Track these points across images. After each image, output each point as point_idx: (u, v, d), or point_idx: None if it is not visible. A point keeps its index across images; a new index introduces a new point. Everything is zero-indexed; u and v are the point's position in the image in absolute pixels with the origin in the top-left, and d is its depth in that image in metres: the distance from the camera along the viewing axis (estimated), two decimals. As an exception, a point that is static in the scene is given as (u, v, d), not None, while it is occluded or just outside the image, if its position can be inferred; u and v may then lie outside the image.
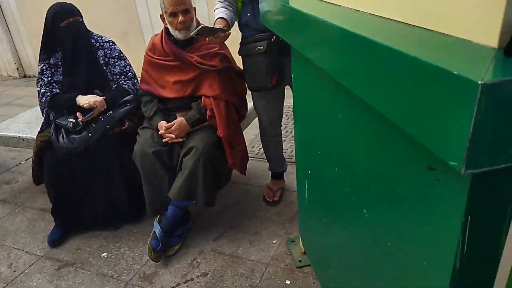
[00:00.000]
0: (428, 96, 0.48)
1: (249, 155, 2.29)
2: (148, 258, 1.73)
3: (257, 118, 2.04)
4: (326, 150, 1.20)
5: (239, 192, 2.25)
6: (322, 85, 1.12)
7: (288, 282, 1.63)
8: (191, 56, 1.79)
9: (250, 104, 2.06)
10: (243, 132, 2.03)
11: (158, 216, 1.85)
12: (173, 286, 1.66)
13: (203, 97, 1.81)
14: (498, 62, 0.45)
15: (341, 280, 1.29)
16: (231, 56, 1.93)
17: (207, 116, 1.79)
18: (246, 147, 1.96)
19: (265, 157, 2.16)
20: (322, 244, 1.44)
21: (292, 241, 1.83)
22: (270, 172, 2.20)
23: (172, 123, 1.78)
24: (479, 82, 0.39)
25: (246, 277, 1.67)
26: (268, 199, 2.11)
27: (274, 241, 1.85)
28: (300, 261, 1.71)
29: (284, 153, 2.20)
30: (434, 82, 0.46)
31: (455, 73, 0.42)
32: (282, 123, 2.05)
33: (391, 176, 0.81)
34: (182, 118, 1.81)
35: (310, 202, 1.50)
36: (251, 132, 2.83)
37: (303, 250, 1.74)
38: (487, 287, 0.68)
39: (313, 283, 1.60)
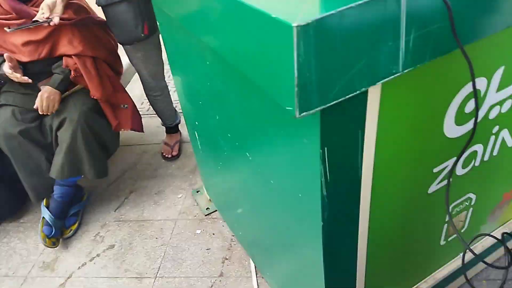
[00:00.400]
0: (257, 41, 0.46)
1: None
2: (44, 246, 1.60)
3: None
4: (205, 99, 1.17)
5: (135, 154, 2.14)
6: (185, 31, 1.05)
7: (198, 231, 1.65)
8: (37, 10, 1.52)
9: (126, 59, 1.89)
10: (127, 90, 1.87)
11: (45, 200, 1.68)
12: (79, 267, 1.57)
13: (64, 57, 1.58)
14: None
15: (242, 218, 1.35)
16: (87, 5, 1.70)
17: (71, 77, 1.58)
18: (134, 103, 1.82)
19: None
20: (222, 188, 1.47)
21: (197, 191, 1.84)
22: (165, 127, 2.12)
23: (37, 101, 1.53)
24: (293, 25, 0.38)
25: (156, 238, 1.65)
26: (166, 155, 2.05)
27: (179, 196, 1.84)
28: (207, 208, 1.74)
29: (176, 105, 2.12)
30: (258, 27, 0.44)
31: (272, 16, 0.40)
32: (167, 74, 1.94)
33: (260, 119, 0.82)
34: (46, 86, 1.58)
35: (203, 151, 1.49)
36: (137, 88, 2.65)
37: (209, 198, 1.76)
38: (353, 208, 0.76)
39: (222, 226, 1.65)
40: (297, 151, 0.71)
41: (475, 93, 0.53)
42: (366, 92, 0.60)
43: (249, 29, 0.47)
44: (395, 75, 0.48)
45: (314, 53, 0.40)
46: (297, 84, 0.41)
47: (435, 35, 0.45)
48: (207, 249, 1.57)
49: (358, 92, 0.47)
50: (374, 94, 0.61)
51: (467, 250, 0.74)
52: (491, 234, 0.76)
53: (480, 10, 0.48)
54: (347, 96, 0.46)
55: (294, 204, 0.83)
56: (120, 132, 1.81)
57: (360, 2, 0.39)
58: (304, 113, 0.45)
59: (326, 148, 0.63)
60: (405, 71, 0.48)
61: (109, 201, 1.87)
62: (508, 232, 0.77)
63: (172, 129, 2.09)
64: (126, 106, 1.75)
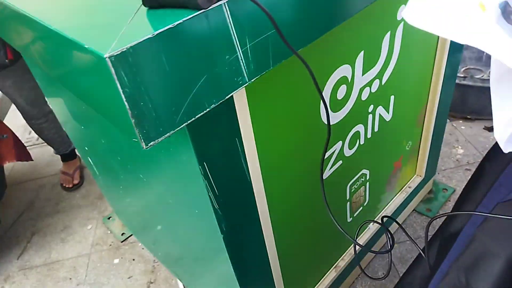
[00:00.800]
0: (84, 73, 0.41)
1: (27, 143, 1.94)
2: None
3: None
4: (85, 123, 1.07)
5: (30, 191, 1.92)
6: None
7: (116, 260, 1.54)
8: None
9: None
10: (7, 119, 1.65)
11: None
12: (-18, 333, 1.38)
13: None
14: (137, 20, 0.40)
15: (156, 239, 1.29)
16: None
17: None
18: (12, 131, 1.61)
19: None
20: (130, 212, 1.38)
21: (109, 218, 1.71)
22: (60, 156, 1.93)
23: None
24: (105, 56, 0.33)
25: (70, 278, 1.50)
26: (67, 185, 1.87)
27: (89, 227, 1.70)
28: (123, 234, 1.63)
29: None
30: (79, 58, 0.39)
31: (85, 46, 0.35)
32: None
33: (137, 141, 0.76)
34: None
35: (101, 176, 1.38)
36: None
37: (122, 223, 1.65)
38: (251, 213, 0.75)
39: (142, 249, 1.56)
40: (180, 169, 0.68)
41: (318, 90, 0.54)
42: (231, 100, 0.58)
43: (74, 60, 0.41)
44: (245, 85, 0.46)
45: (141, 81, 0.36)
46: (132, 116, 0.37)
47: (273, 41, 0.45)
48: (129, 277, 1.47)
49: (208, 109, 0.44)
50: (240, 100, 0.59)
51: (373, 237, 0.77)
52: (374, 220, 0.80)
53: (310, 12, 0.48)
54: (198, 116, 0.43)
55: (194, 220, 0.80)
56: (7, 171, 1.60)
57: (179, 21, 0.36)
58: (152, 143, 0.41)
59: (205, 163, 0.61)
60: (253, 79, 0.47)
61: (9, 249, 1.65)
62: (389, 215, 0.83)
63: (68, 156, 1.91)
64: (5, 136, 1.55)
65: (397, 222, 0.75)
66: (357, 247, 0.78)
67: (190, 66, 0.39)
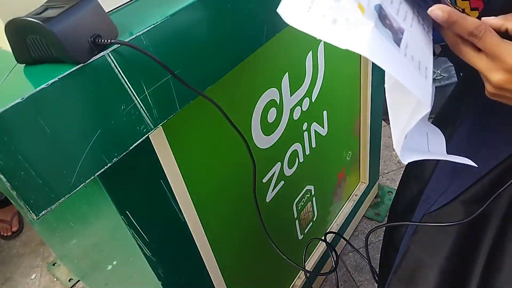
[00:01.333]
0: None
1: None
2: None
3: None
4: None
5: (-37, 245, 1.75)
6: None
7: (65, 309, 1.43)
8: None
9: None
10: None
11: None
12: None
13: None
14: (11, 80, 0.36)
15: (101, 281, 1.21)
16: None
17: None
18: None
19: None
20: (72, 257, 1.29)
21: (54, 264, 1.59)
22: (-6, 203, 1.78)
23: None
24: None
25: (14, 338, 1.37)
26: (5, 234, 1.72)
27: (33, 277, 1.57)
28: (70, 279, 1.52)
29: None
30: None
31: None
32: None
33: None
34: None
35: (36, 224, 1.28)
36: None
37: (68, 268, 1.54)
38: (191, 253, 0.71)
39: (93, 293, 1.46)
40: (105, 219, 0.64)
41: (232, 124, 0.52)
42: (149, 142, 0.55)
43: None
44: (151, 132, 0.43)
45: (17, 150, 0.32)
46: (13, 188, 0.33)
47: (176, 83, 0.42)
48: (80, 327, 1.37)
49: (110, 164, 0.41)
50: (159, 140, 0.56)
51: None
52: (319, 238, 0.80)
53: (213, 49, 0.47)
54: (98, 173, 0.40)
55: (132, 267, 0.75)
56: None
57: (54, 80, 0.33)
58: (44, 212, 0.37)
59: (128, 212, 0.56)
60: (160, 125, 0.44)
61: None
62: (335, 231, 0.83)
63: (4, 202, 1.76)
64: None
65: (342, 237, 0.75)
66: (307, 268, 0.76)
67: (78, 123, 0.36)
